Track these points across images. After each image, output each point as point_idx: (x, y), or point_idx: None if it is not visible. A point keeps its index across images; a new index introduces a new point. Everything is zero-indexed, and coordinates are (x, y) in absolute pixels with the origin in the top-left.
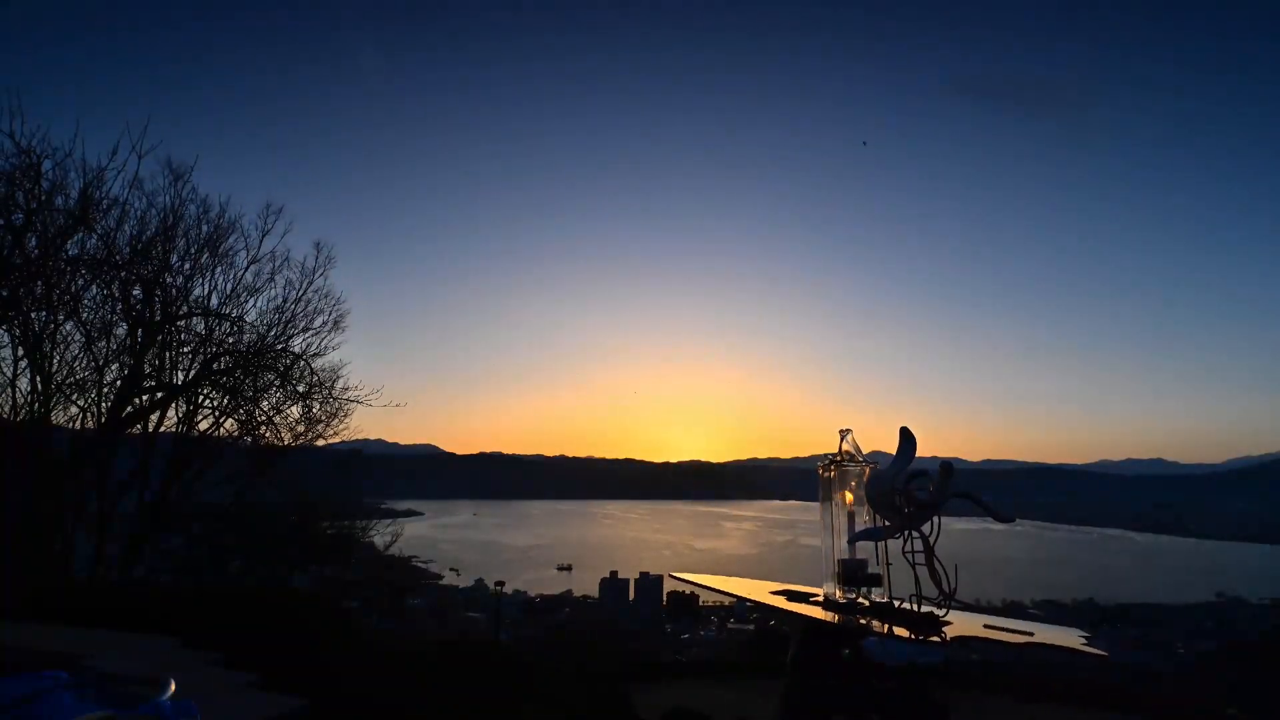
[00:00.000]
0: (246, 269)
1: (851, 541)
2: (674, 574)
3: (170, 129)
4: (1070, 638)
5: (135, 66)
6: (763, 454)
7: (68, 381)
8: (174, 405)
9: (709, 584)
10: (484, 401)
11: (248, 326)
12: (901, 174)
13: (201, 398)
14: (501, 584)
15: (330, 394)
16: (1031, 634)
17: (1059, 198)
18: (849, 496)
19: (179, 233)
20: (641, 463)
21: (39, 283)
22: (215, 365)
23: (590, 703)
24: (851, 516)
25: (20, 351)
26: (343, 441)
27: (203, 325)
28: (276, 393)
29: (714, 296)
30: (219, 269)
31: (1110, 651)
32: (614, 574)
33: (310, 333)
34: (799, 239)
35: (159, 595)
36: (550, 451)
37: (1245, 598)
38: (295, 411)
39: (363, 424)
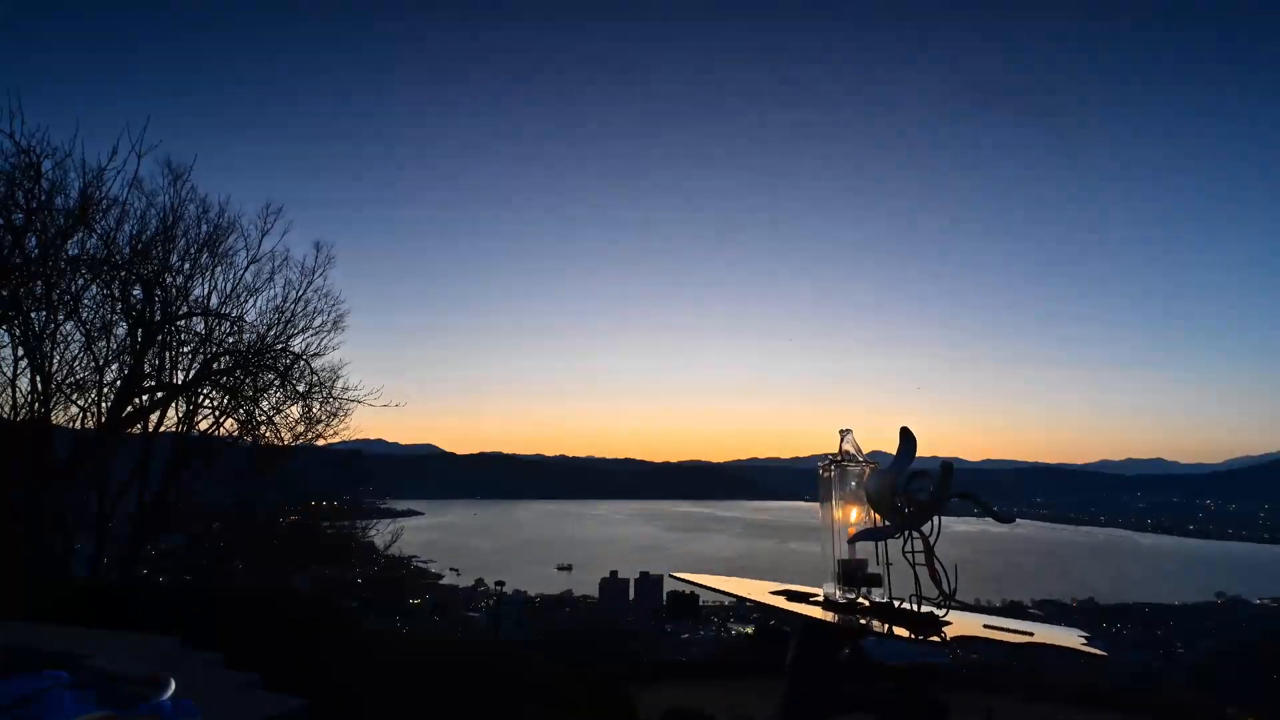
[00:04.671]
0: (246, 269)
1: (851, 541)
2: (674, 574)
3: (170, 129)
4: (1070, 638)
5: (135, 66)
6: (763, 454)
7: (68, 381)
8: (174, 405)
9: (709, 584)
10: (484, 401)
11: (247, 326)
12: (902, 174)
13: (201, 398)
14: (501, 584)
15: (330, 394)
16: (1031, 634)
17: (1059, 198)
18: (849, 497)
19: (179, 232)
20: (641, 462)
21: (39, 283)
22: (215, 365)
23: (590, 703)
24: (851, 516)
25: (20, 351)
26: (343, 441)
27: (203, 325)
28: (276, 392)
29: (715, 296)
30: (219, 269)
31: (1110, 651)
32: (614, 574)
33: (310, 332)
34: (800, 239)
35: (159, 595)
36: (550, 451)
37: (1245, 598)
38: (295, 411)
39: (363, 424)
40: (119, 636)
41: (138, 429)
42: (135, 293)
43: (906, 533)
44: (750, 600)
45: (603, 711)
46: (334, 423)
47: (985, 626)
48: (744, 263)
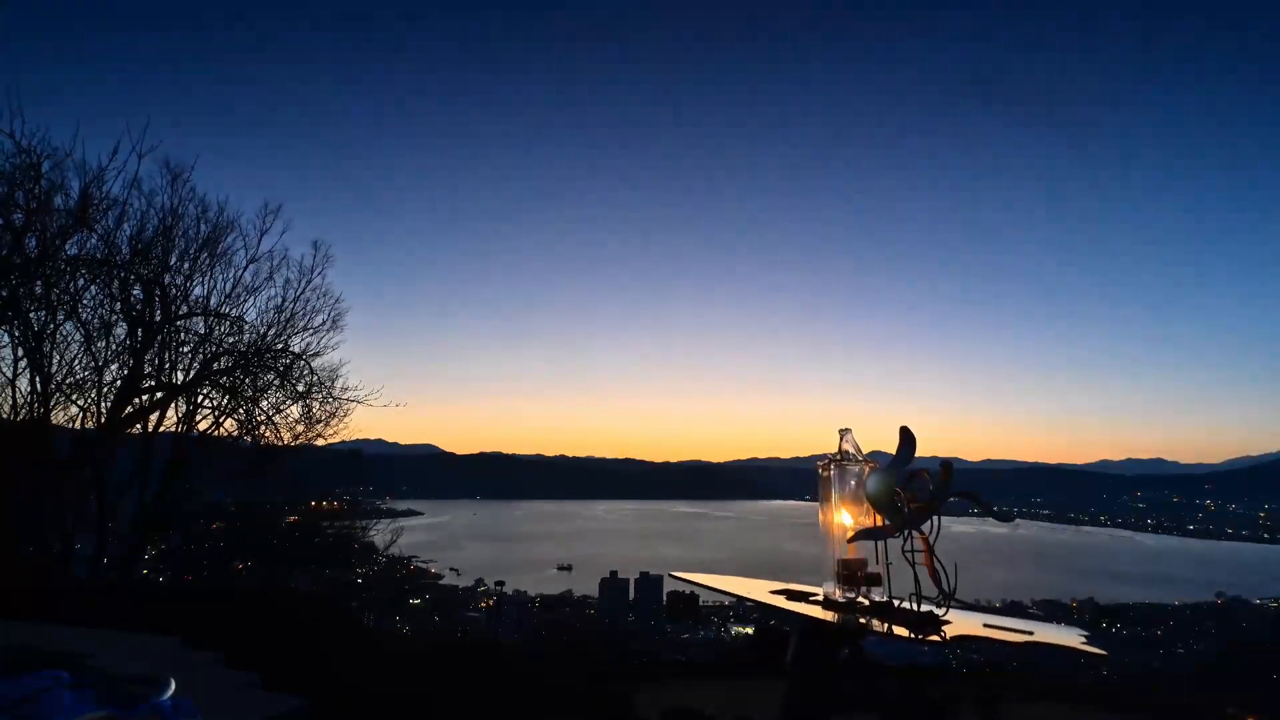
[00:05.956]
0: (245, 268)
1: (851, 541)
2: (674, 574)
3: (170, 129)
4: (1070, 638)
5: (135, 67)
6: (763, 454)
7: (68, 381)
8: (174, 405)
9: (709, 584)
10: (484, 401)
11: (247, 326)
12: (903, 174)
13: (201, 397)
14: (501, 584)
15: (330, 394)
16: (1031, 634)
17: (1060, 199)
18: (849, 496)
19: (178, 232)
20: (641, 462)
21: (39, 283)
22: (215, 365)
23: (589, 702)
24: (851, 517)
25: (20, 351)
26: (343, 441)
27: (202, 325)
28: (276, 392)
29: (715, 296)
30: (218, 268)
31: (1110, 651)
32: (614, 574)
33: (309, 332)
34: (802, 239)
35: (159, 595)
36: (550, 451)
37: (1246, 598)
38: (295, 411)
39: (363, 424)
40: (119, 636)
41: (138, 429)
42: (135, 293)
43: (906, 532)
44: (750, 600)
45: (602, 711)
46: (334, 423)
47: (985, 626)
48: (745, 263)
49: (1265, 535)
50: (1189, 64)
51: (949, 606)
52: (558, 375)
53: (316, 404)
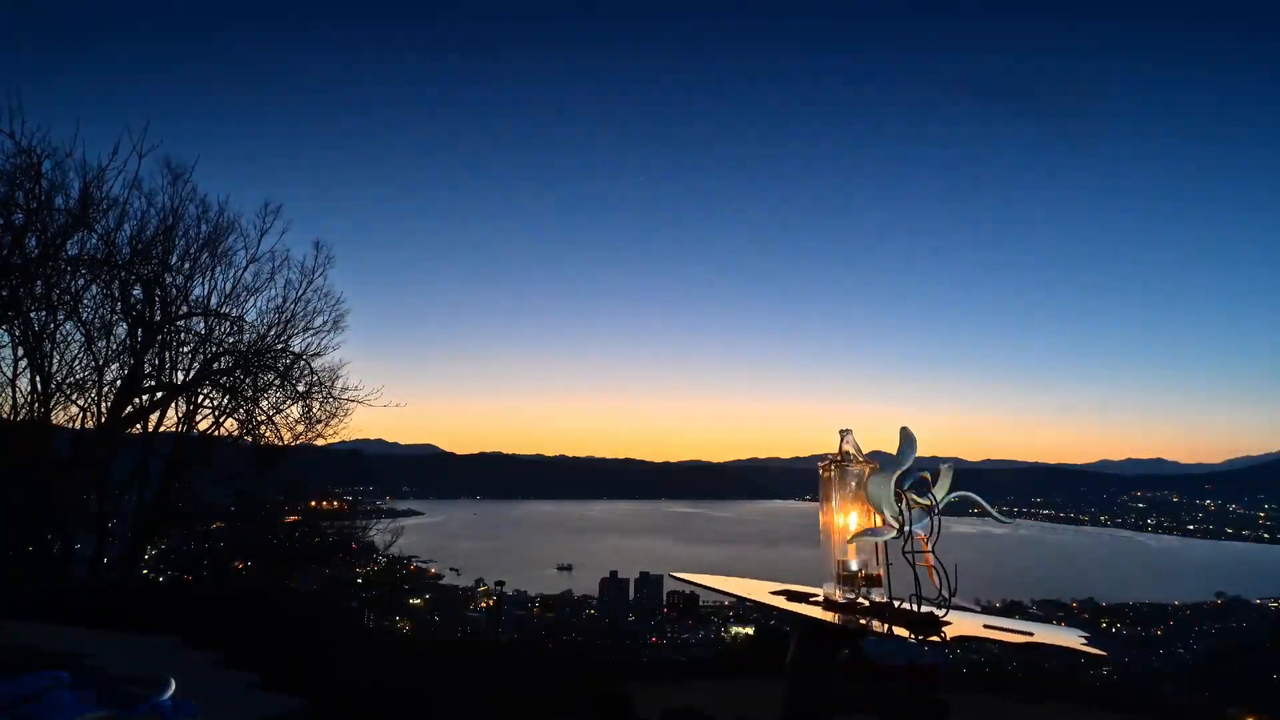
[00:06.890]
0: (246, 269)
1: (851, 541)
2: (674, 574)
3: (170, 129)
4: (1070, 638)
5: (135, 67)
6: (763, 454)
7: (68, 381)
8: (174, 405)
9: (709, 584)
10: (484, 401)
11: (247, 326)
12: (904, 174)
13: (201, 397)
14: (501, 584)
15: (330, 394)
16: (1031, 634)
17: (1060, 198)
18: (849, 497)
19: (178, 232)
20: (641, 462)
21: (39, 283)
22: (215, 365)
23: (590, 703)
24: (851, 517)
25: (20, 351)
26: (343, 441)
27: (203, 325)
28: (276, 392)
29: (715, 296)
30: (218, 269)
31: (1110, 651)
32: (614, 574)
33: (310, 332)
34: (802, 239)
35: (159, 595)
36: (550, 451)
37: (1245, 598)
38: (295, 411)
39: (363, 424)
40: (119, 636)
41: (138, 429)
42: (135, 293)
43: (906, 533)
44: (750, 600)
45: (602, 711)
46: (334, 423)
47: (985, 626)
48: (745, 263)
49: (1265, 535)
50: (1189, 64)
51: (949, 607)
52: (558, 375)
53: (317, 404)
